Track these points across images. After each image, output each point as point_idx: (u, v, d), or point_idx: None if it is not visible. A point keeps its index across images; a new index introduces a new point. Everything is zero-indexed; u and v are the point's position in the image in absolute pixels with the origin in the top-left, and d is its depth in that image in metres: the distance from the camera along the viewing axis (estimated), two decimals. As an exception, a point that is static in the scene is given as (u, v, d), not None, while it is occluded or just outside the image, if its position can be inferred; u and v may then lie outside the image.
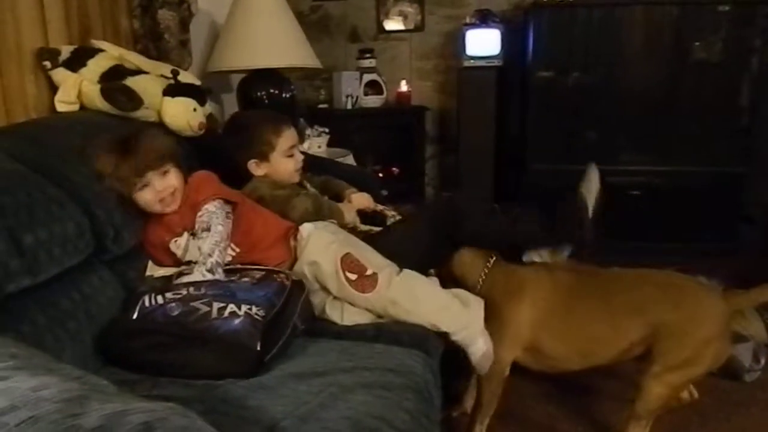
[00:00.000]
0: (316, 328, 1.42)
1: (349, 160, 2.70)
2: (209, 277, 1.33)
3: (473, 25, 3.52)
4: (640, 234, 3.26)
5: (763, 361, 2.07)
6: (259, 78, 2.56)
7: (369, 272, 1.43)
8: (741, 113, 3.27)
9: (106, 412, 0.56)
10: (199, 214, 1.45)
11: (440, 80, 3.95)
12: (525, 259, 1.81)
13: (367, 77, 3.53)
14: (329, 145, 2.88)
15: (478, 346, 1.48)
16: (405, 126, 3.75)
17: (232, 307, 1.22)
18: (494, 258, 1.69)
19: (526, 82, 3.42)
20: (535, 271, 1.67)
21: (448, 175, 3.99)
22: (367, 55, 3.60)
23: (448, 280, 1.69)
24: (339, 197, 1.94)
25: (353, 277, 1.42)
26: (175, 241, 1.48)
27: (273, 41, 2.42)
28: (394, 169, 3.72)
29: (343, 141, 3.05)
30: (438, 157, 4.05)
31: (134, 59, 1.86)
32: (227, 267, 1.41)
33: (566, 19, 3.29)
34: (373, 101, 3.55)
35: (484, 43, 3.48)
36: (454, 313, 1.47)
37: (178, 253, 1.47)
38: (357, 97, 3.50)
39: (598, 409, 1.89)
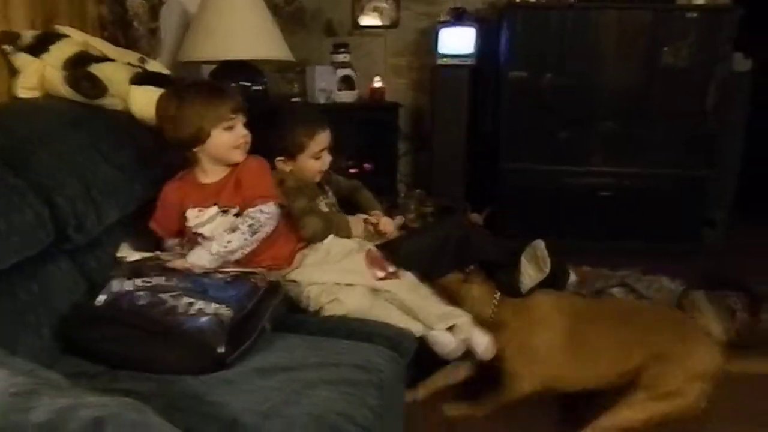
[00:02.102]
0: (285, 322, 1.39)
1: (321, 155, 2.68)
2: (210, 259, 1.37)
3: (448, 23, 3.52)
4: (608, 234, 3.32)
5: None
6: (230, 69, 2.53)
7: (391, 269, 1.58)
8: (706, 118, 3.34)
9: (55, 406, 0.55)
10: (253, 210, 1.45)
11: (414, 77, 3.95)
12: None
13: (341, 72, 3.50)
14: (301, 139, 2.85)
15: (480, 336, 1.60)
16: (378, 122, 3.74)
17: (201, 304, 1.20)
18: (498, 293, 1.76)
19: (500, 81, 3.45)
20: (545, 298, 1.76)
21: (420, 173, 4.00)
22: (342, 50, 3.57)
23: (445, 298, 1.75)
24: (362, 212, 1.94)
25: (381, 273, 1.55)
26: (200, 210, 1.49)
27: (245, 32, 2.39)
28: (366, 165, 3.70)
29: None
30: (411, 154, 4.05)
31: (100, 46, 1.81)
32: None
33: (540, 20, 3.32)
34: (346, 96, 3.53)
35: (458, 41, 3.49)
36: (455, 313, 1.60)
37: (193, 222, 1.49)
38: (331, 92, 3.48)
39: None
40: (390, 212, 3.61)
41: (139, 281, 1.24)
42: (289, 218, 1.65)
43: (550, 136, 3.42)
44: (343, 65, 3.53)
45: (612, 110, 3.40)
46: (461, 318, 1.60)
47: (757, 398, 1.88)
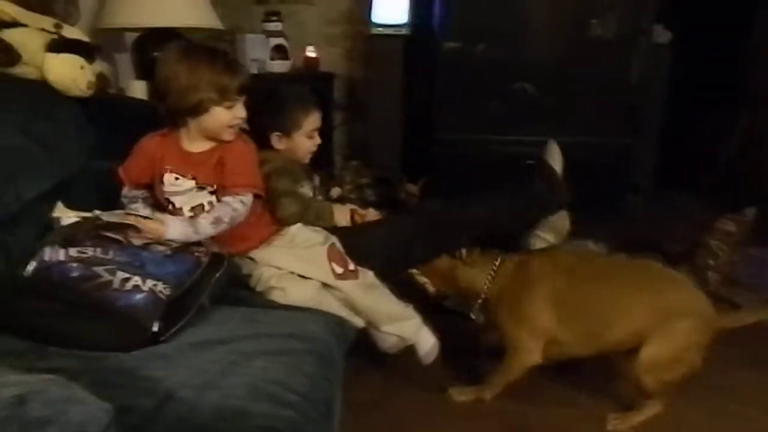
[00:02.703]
0: (225, 296, 1.37)
1: (254, 126, 2.63)
2: (187, 237, 1.31)
3: (381, -8, 3.49)
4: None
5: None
6: (155, 37, 2.42)
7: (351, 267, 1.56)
8: (631, 89, 3.49)
9: (-28, 386, 0.53)
10: (233, 200, 1.41)
11: (348, 47, 3.91)
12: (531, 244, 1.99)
13: (273, 41, 3.41)
14: (233, 110, 2.78)
15: (426, 338, 1.64)
16: (314, 93, 3.68)
17: (136, 279, 1.15)
18: (500, 258, 1.79)
19: (434, 51, 3.46)
20: (540, 259, 1.78)
21: (356, 143, 3.99)
22: (274, 18, 3.48)
23: (438, 284, 1.86)
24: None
25: (340, 270, 1.54)
26: (177, 177, 1.45)
27: (170, -2, 2.30)
28: (302, 136, 3.66)
29: (249, 106, 2.95)
30: (346, 125, 4.03)
31: (10, 10, 1.69)
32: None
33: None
34: (279, 66, 3.45)
35: (392, 10, 3.47)
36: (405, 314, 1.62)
37: (168, 188, 1.45)
38: (263, 62, 3.40)
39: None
40: (327, 183, 3.61)
41: (73, 251, 1.17)
42: (267, 203, 1.62)
43: (483, 106, 3.48)
44: (276, 34, 3.45)
45: (542, 81, 3.49)
46: (410, 321, 1.62)
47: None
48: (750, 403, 1.82)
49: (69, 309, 1.12)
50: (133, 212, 1.38)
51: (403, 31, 3.49)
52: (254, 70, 3.36)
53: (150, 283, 1.15)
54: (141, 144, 1.48)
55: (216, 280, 1.28)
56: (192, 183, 1.45)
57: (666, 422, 1.71)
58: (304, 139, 1.83)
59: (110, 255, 1.17)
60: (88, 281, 1.14)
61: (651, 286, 1.63)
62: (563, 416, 1.77)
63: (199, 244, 1.29)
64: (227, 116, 1.40)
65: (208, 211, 1.42)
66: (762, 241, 2.69)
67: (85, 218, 1.30)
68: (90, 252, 1.17)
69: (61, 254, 1.16)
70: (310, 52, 3.64)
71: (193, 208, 1.45)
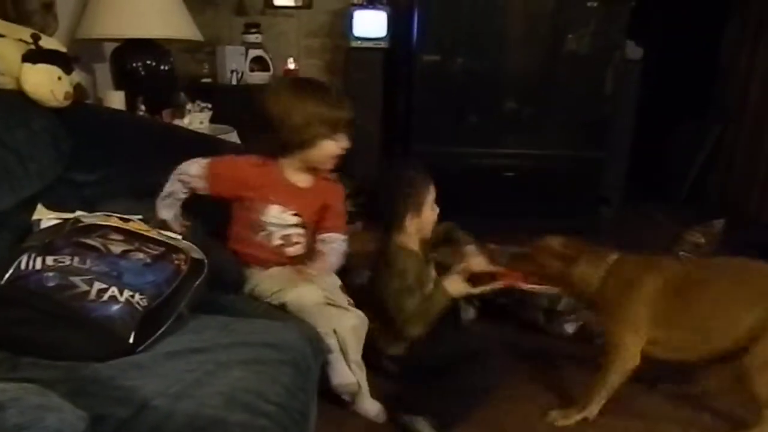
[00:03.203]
0: (204, 302, 1.36)
1: (233, 137, 2.64)
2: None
3: (361, 6, 3.54)
4: (511, 212, 3.49)
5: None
6: (134, 48, 2.44)
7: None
8: (603, 103, 3.57)
9: (-50, 394, 0.54)
10: (341, 241, 1.63)
11: (328, 59, 3.95)
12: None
13: (252, 53, 3.44)
14: (212, 121, 2.79)
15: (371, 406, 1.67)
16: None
17: (113, 290, 1.15)
18: (616, 256, 1.74)
19: (412, 64, 3.51)
20: (645, 261, 1.73)
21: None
22: (253, 30, 3.51)
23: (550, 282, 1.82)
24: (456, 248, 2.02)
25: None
26: (283, 211, 1.56)
27: (149, 10, 2.31)
28: (280, 147, 3.68)
29: (228, 117, 2.97)
30: (326, 136, 4.05)
31: (-13, 20, 1.70)
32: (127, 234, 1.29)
33: (452, 4, 3.41)
34: (259, 78, 3.48)
35: (371, 24, 3.52)
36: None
37: (271, 218, 1.56)
38: (242, 73, 3.42)
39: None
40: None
41: (50, 260, 1.16)
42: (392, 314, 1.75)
43: (461, 118, 3.53)
44: (255, 46, 3.48)
45: (518, 94, 3.56)
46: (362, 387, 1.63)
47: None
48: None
49: (45, 319, 1.12)
50: (113, 214, 1.35)
51: (382, 45, 3.54)
52: (233, 81, 3.39)
53: (127, 293, 1.14)
54: (238, 167, 1.55)
55: (196, 287, 1.28)
56: (295, 220, 1.57)
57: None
58: (429, 212, 1.88)
59: (87, 264, 1.16)
60: (65, 291, 1.13)
61: (756, 282, 1.62)
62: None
63: (179, 250, 1.29)
64: (334, 148, 1.50)
65: (325, 252, 1.60)
66: (730, 252, 2.76)
67: (65, 220, 1.29)
68: (67, 261, 1.16)
69: (38, 263, 1.15)
70: (290, 64, 3.67)
71: (283, 236, 1.58)
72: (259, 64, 3.47)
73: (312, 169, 1.57)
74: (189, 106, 2.66)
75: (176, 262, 1.26)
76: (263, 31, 3.59)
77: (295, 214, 1.57)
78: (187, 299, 1.25)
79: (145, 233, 1.28)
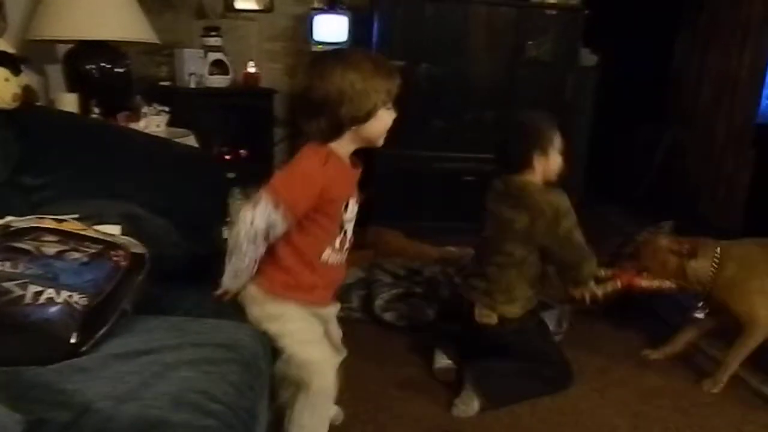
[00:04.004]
0: (150, 300, 1.34)
1: (190, 140, 2.62)
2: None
3: (321, 11, 3.56)
4: (472, 216, 3.54)
5: (564, 326, 2.39)
6: (88, 50, 2.40)
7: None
8: (562, 108, 3.65)
9: None
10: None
11: (289, 63, 3.95)
12: None
13: (212, 56, 3.42)
14: (170, 124, 2.76)
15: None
16: (253, 108, 3.70)
17: (50, 292, 1.13)
18: (719, 247, 2.02)
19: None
20: (757, 245, 2.06)
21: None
22: (213, 33, 3.48)
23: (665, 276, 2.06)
24: None
25: None
26: (355, 204, 1.42)
27: (103, 11, 2.27)
28: (241, 151, 3.66)
29: (188, 121, 2.94)
30: (287, 140, 4.04)
31: (-70, 20, 1.65)
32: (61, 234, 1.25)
33: (412, 11, 3.45)
34: (219, 81, 3.45)
35: (332, 28, 3.54)
36: None
37: (348, 217, 1.41)
38: (201, 76, 3.39)
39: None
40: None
41: None
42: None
43: (424, 123, 3.57)
44: (215, 49, 3.45)
45: (480, 100, 3.62)
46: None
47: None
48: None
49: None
50: (46, 216, 1.31)
51: (343, 49, 3.56)
52: (192, 84, 3.35)
53: (65, 294, 1.13)
54: (312, 176, 1.30)
55: (138, 283, 1.27)
56: (356, 207, 1.43)
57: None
58: (556, 156, 1.94)
59: (20, 269, 1.14)
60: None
61: None
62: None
63: (117, 247, 1.26)
64: (389, 118, 1.36)
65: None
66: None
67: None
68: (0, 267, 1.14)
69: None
70: (251, 68, 3.65)
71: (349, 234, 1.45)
72: (218, 67, 3.45)
73: (357, 150, 1.39)
74: (145, 109, 2.63)
75: (115, 258, 1.24)
76: (223, 35, 3.57)
77: (357, 202, 1.43)
78: (129, 295, 1.24)
79: (80, 232, 1.26)
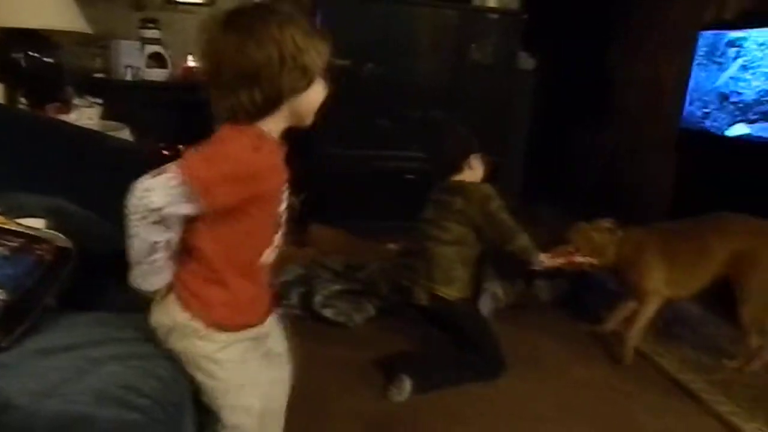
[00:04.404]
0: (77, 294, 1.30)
1: (124, 134, 2.56)
2: None
3: (264, 6, 3.52)
4: (413, 214, 3.60)
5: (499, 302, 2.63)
6: (15, 38, 2.30)
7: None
8: (500, 110, 3.76)
9: None
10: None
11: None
12: None
13: (149, 48, 3.34)
14: (105, 117, 2.69)
15: None
16: (193, 103, 3.57)
17: None
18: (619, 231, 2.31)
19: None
20: (648, 233, 2.34)
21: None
22: (151, 25, 3.40)
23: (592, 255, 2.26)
24: None
25: None
26: (286, 188, 1.14)
27: (31, -2, 2.19)
28: (180, 147, 3.57)
29: (124, 115, 2.86)
30: (229, 137, 3.98)
31: None
32: None
33: (356, 11, 3.47)
34: (156, 74, 3.38)
35: (274, 24, 3.51)
36: None
37: (283, 207, 1.15)
38: (138, 69, 3.30)
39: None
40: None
41: None
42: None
43: (368, 122, 3.60)
44: (153, 41, 3.37)
45: (424, 100, 3.68)
46: None
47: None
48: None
49: None
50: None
51: (286, 46, 3.54)
52: (128, 77, 3.27)
53: (-17, 289, 1.09)
54: (238, 161, 1.02)
55: (63, 278, 1.23)
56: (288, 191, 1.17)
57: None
58: (479, 162, 2.25)
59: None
60: None
61: (731, 231, 2.29)
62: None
63: (41, 240, 1.22)
64: (322, 92, 1.12)
65: None
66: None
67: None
68: None
69: None
70: (191, 62, 3.58)
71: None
72: (156, 60, 3.37)
73: (288, 129, 1.13)
74: (77, 101, 2.55)
75: (38, 252, 1.21)
76: (162, 27, 3.49)
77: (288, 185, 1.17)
78: (53, 290, 1.21)
79: (2, 226, 1.21)
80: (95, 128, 2.44)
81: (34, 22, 2.21)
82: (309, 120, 1.14)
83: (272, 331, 1.27)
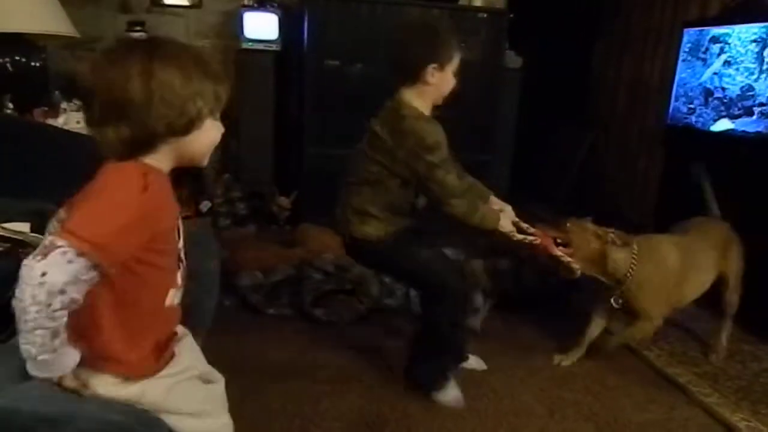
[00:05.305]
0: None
1: (113, 137, 2.55)
2: None
3: (251, 8, 3.53)
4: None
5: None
6: (0, 43, 2.29)
7: None
8: (487, 108, 3.77)
9: None
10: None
11: (218, 60, 3.88)
12: None
13: (137, 52, 3.33)
14: (91, 121, 2.68)
15: None
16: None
17: None
18: (636, 243, 2.10)
19: (303, 68, 3.54)
20: (672, 243, 2.20)
21: (228, 157, 3.96)
22: (137, 28, 3.40)
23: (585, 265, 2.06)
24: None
25: None
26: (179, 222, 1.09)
27: (15, 1, 2.18)
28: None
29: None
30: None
31: None
32: None
33: (345, 11, 3.47)
34: (144, 77, 3.37)
35: (262, 26, 3.52)
36: None
37: (181, 239, 1.09)
38: (126, 72, 3.30)
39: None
40: (197, 198, 3.54)
41: None
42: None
43: (356, 123, 3.60)
44: (140, 44, 3.36)
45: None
46: None
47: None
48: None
49: None
50: None
51: (274, 47, 3.55)
52: (116, 81, 3.26)
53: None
54: (126, 207, 0.93)
55: None
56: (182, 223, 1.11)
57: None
58: (450, 77, 1.79)
59: None
60: None
61: (719, 239, 2.33)
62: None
63: (26, 245, 1.23)
64: (217, 132, 1.06)
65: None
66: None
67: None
68: None
69: None
70: (178, 64, 3.57)
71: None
72: (144, 63, 3.36)
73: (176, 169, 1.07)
74: (64, 105, 2.54)
75: (23, 257, 1.20)
76: (149, 30, 3.49)
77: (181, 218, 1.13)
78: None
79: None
80: (83, 132, 2.44)
81: (20, 26, 2.21)
82: (202, 161, 1.06)
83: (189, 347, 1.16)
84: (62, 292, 0.85)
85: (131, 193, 0.93)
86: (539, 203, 4.18)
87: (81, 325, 0.94)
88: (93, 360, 0.99)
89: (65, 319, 0.88)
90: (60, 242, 0.85)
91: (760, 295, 2.42)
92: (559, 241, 2.04)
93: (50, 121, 2.37)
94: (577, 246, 2.04)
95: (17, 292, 0.85)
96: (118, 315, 0.99)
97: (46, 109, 2.46)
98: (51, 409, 0.96)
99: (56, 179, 1.73)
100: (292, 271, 2.69)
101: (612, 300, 2.16)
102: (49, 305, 0.85)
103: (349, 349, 2.28)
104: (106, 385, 1.00)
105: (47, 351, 0.89)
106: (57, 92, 2.62)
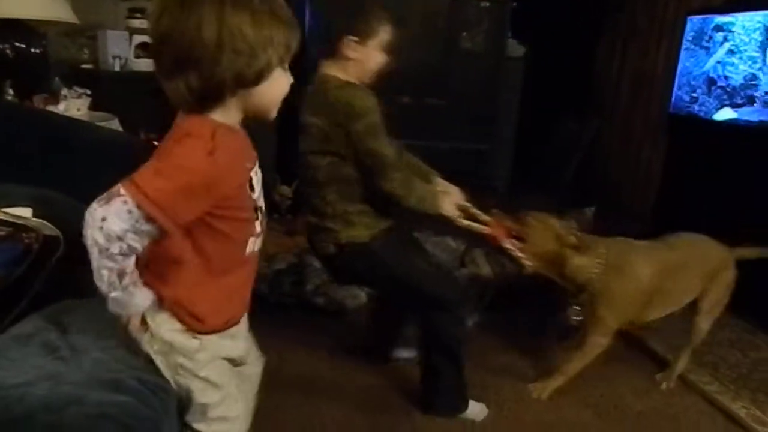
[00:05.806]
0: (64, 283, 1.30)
1: (114, 125, 2.55)
2: None
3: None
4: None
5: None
6: (1, 29, 2.29)
7: None
8: (489, 97, 3.76)
9: None
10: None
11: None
12: None
13: (138, 38, 3.31)
14: (92, 108, 2.68)
15: None
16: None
17: None
18: (604, 249, 1.89)
19: (306, 57, 3.52)
20: (639, 251, 1.95)
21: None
22: (138, 15, 3.38)
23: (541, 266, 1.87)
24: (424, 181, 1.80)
25: None
26: (256, 171, 1.06)
27: (16, -12, 2.18)
28: (170, 137, 3.57)
29: (112, 105, 2.85)
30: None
31: None
32: None
33: (345, 0, 3.44)
34: (146, 65, 3.35)
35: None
36: None
37: (257, 194, 1.06)
38: (126, 59, 3.29)
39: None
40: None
41: None
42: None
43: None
44: (141, 31, 3.35)
45: (414, 87, 3.68)
46: None
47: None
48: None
49: None
50: None
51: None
52: (116, 68, 3.25)
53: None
54: (192, 171, 0.91)
55: (50, 266, 1.24)
56: (259, 172, 1.08)
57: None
58: (376, 53, 1.67)
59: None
60: None
61: (703, 256, 2.03)
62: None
63: (28, 229, 1.23)
64: (287, 82, 1.01)
65: None
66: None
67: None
68: None
69: None
70: (179, 52, 3.56)
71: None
72: (144, 50, 3.34)
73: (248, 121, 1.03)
74: (65, 91, 2.54)
75: (26, 240, 1.22)
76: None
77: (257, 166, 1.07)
78: (42, 278, 1.22)
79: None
80: (84, 119, 2.44)
81: (20, 12, 2.20)
82: (270, 115, 1.03)
83: (243, 332, 1.19)
84: (120, 238, 0.88)
85: (196, 158, 0.91)
86: (541, 193, 4.18)
87: (159, 269, 0.99)
88: (168, 303, 1.02)
89: (130, 261, 0.92)
90: (123, 191, 0.87)
91: (760, 285, 2.42)
92: (513, 233, 1.86)
93: (51, 108, 2.37)
94: (533, 242, 1.86)
95: (83, 231, 0.89)
96: (196, 263, 1.01)
97: (46, 95, 2.45)
98: (63, 390, 0.96)
99: (57, 165, 1.74)
100: (294, 260, 2.70)
101: (569, 311, 2.14)
102: (108, 249, 0.88)
103: (350, 337, 2.28)
104: (172, 330, 1.03)
105: (116, 289, 0.94)
106: (57, 79, 2.61)
